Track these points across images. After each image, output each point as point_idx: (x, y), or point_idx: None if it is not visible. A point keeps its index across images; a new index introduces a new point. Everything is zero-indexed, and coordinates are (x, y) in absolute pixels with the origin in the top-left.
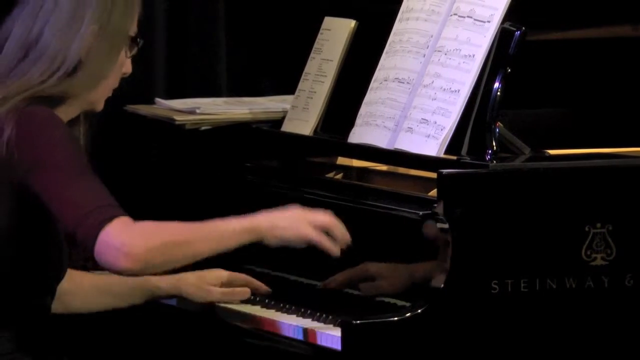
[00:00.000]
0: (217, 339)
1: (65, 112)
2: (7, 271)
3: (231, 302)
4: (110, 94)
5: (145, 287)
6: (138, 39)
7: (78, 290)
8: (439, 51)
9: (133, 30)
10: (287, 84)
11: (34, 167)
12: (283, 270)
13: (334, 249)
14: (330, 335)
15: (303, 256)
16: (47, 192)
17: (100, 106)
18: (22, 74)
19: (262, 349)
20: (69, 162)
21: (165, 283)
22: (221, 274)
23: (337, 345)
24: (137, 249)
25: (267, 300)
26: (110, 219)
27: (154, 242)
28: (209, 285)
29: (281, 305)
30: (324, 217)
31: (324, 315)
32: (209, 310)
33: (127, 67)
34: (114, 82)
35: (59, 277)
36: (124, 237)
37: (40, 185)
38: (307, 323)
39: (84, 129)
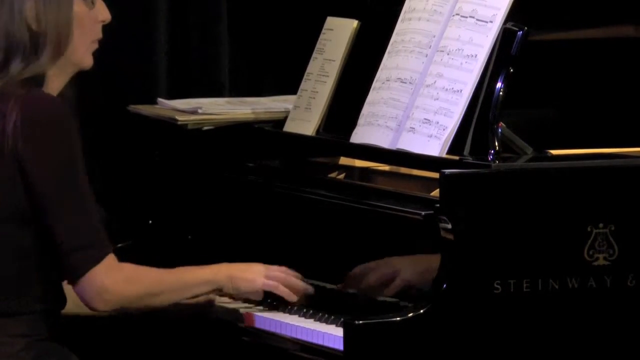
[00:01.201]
0: (218, 339)
1: (55, 83)
2: (27, 253)
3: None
4: (95, 46)
5: None
6: None
7: (69, 293)
8: (441, 51)
9: None
10: (290, 84)
11: (37, 164)
12: None
13: (291, 296)
14: (332, 336)
15: (305, 256)
16: (45, 201)
17: (88, 62)
18: None
19: (264, 349)
20: (72, 175)
21: None
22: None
23: (340, 346)
24: (115, 297)
25: (269, 301)
26: (100, 258)
27: (131, 292)
28: None
29: (283, 305)
30: (280, 274)
31: (326, 316)
32: (210, 310)
33: (104, 14)
34: (88, 35)
35: None
36: (107, 282)
37: (40, 189)
38: (309, 323)
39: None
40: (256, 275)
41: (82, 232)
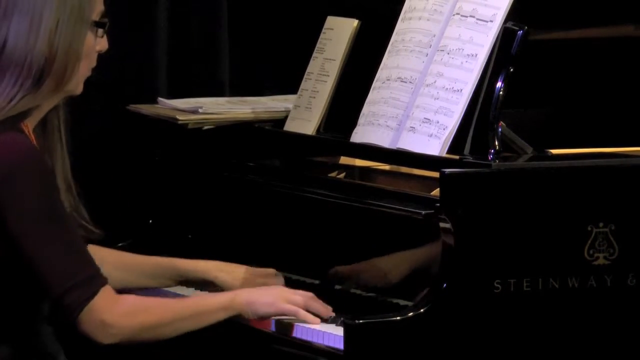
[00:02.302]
0: (217, 337)
1: (42, 111)
2: (6, 282)
3: None
4: (89, 74)
5: (173, 270)
6: (103, 21)
7: (102, 267)
8: (441, 50)
9: (96, 14)
10: (290, 83)
11: (12, 212)
12: (285, 270)
13: (312, 319)
14: (333, 335)
15: (305, 255)
16: (26, 248)
17: (78, 90)
18: None
19: (264, 348)
20: (49, 219)
21: (193, 268)
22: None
23: (340, 345)
24: (119, 330)
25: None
26: (94, 294)
27: (135, 324)
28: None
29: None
30: (301, 298)
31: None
32: None
33: (102, 44)
34: (88, 65)
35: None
36: (106, 316)
37: (18, 237)
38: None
39: (62, 116)
40: (275, 298)
41: (70, 274)
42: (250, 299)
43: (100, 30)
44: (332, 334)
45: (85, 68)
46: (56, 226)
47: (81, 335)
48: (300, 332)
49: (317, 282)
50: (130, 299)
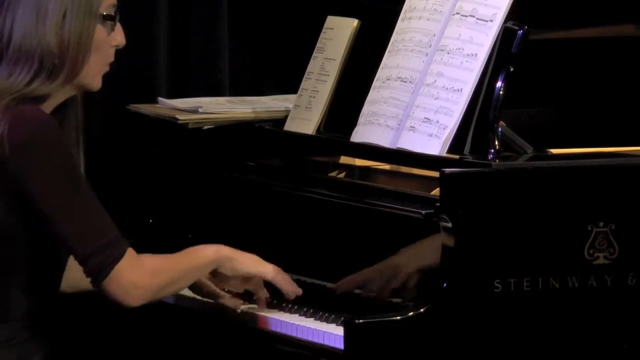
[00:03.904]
0: (218, 338)
1: (54, 100)
2: (16, 261)
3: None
4: (106, 69)
5: None
6: (113, 15)
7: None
8: (441, 50)
9: (104, 8)
10: (290, 83)
11: (32, 179)
12: (285, 269)
13: (291, 288)
14: (333, 335)
15: (305, 255)
16: (49, 214)
17: (97, 85)
18: (7, 75)
19: (264, 348)
20: (69, 183)
21: None
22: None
23: (340, 345)
24: (144, 291)
25: (269, 300)
26: (120, 256)
27: (158, 284)
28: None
29: (283, 304)
30: (275, 267)
31: (326, 315)
32: (209, 309)
33: (119, 40)
34: (103, 59)
35: (65, 261)
36: (135, 277)
37: (41, 203)
38: (310, 322)
39: (80, 117)
40: (255, 260)
41: (95, 235)
42: (232, 255)
43: (111, 24)
44: (332, 334)
45: (98, 62)
46: (77, 191)
47: (110, 302)
48: (300, 331)
49: (317, 281)
50: (149, 259)
